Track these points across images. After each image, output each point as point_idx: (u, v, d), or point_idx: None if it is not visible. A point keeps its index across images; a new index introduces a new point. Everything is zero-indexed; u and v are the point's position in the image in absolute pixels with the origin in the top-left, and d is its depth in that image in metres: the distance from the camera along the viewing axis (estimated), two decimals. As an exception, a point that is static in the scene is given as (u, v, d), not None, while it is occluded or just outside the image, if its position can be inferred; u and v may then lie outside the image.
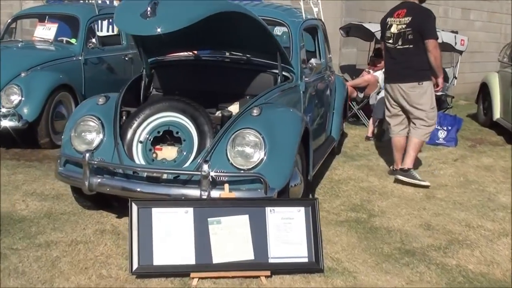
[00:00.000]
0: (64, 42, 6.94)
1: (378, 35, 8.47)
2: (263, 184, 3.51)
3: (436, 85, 5.31)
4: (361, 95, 8.21)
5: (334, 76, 6.09)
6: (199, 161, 3.61)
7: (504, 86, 8.05)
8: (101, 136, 3.86)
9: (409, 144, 5.38)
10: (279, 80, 4.45)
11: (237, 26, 4.12)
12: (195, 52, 4.86)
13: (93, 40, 6.74)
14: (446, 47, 7.56)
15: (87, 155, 3.65)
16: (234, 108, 4.46)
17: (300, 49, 4.73)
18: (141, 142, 3.89)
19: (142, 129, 3.91)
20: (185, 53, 4.88)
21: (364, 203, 4.84)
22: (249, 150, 3.64)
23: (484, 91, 8.68)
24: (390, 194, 5.14)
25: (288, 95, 4.43)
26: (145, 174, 3.68)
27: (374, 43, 8.97)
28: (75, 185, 3.87)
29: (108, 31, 8.86)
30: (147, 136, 3.89)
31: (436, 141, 7.18)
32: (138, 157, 3.86)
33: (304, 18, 5.13)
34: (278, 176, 3.64)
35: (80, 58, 6.67)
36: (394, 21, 5.26)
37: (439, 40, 7.43)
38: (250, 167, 3.60)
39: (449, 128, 7.19)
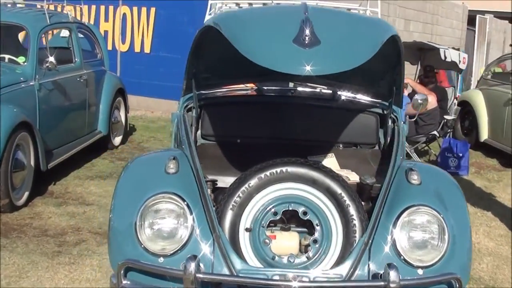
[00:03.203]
0: (7, 60, 5.10)
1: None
2: (458, 287, 2.40)
3: None
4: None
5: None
6: (351, 265, 2.35)
7: (492, 105, 7.60)
8: (190, 225, 2.46)
9: None
10: (389, 123, 3.30)
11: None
12: (255, 84, 3.56)
13: (51, 59, 4.99)
14: (451, 66, 6.90)
15: (193, 265, 2.24)
16: (330, 162, 3.26)
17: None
18: (248, 230, 2.56)
19: (249, 210, 2.58)
20: (241, 85, 3.56)
21: (464, 269, 3.91)
22: (426, 237, 2.49)
23: (463, 109, 8.21)
24: (477, 251, 4.26)
25: (403, 144, 3.32)
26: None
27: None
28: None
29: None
30: (259, 218, 2.57)
31: (448, 171, 6.46)
32: (248, 254, 2.52)
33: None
34: (463, 269, 2.54)
35: (32, 83, 4.92)
36: None
37: (448, 59, 6.79)
38: (431, 263, 2.46)
39: (460, 155, 6.51)
